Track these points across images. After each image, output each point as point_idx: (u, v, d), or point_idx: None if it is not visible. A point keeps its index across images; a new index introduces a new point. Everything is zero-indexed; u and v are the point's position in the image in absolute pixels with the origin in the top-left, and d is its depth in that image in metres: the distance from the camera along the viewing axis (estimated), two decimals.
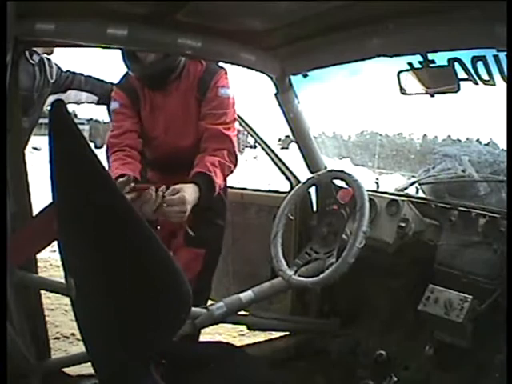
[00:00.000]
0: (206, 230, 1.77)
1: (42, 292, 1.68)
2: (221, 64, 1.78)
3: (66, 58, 2.55)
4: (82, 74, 2.61)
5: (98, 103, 2.70)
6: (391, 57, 1.51)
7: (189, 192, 1.53)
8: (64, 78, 2.54)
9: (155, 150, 1.80)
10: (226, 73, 1.77)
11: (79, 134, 0.82)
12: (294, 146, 2.12)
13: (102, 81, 2.65)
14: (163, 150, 1.79)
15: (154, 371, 0.85)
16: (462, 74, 1.42)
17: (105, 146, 1.80)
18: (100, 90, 2.63)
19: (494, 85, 1.37)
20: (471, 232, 1.62)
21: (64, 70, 2.55)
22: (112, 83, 2.63)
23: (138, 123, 1.77)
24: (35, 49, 2.32)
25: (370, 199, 1.64)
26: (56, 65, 2.50)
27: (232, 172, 1.75)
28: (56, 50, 2.44)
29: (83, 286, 0.90)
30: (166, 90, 1.75)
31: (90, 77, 2.62)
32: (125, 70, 1.79)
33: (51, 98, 2.48)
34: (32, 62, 2.33)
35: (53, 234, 1.01)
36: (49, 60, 2.46)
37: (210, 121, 1.72)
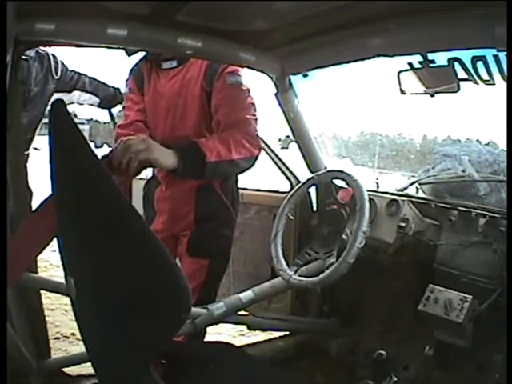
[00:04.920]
0: (211, 240, 1.73)
1: (42, 292, 1.68)
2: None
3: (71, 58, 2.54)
4: (86, 75, 2.60)
5: (99, 106, 2.70)
6: (391, 57, 1.51)
7: (160, 147, 1.37)
8: (69, 76, 2.54)
9: (155, 137, 1.71)
10: None
11: (79, 133, 0.82)
12: (294, 146, 2.12)
13: (105, 84, 2.65)
14: (162, 138, 1.67)
15: (153, 371, 0.85)
16: (462, 74, 1.42)
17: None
18: (103, 93, 2.63)
19: (494, 85, 1.37)
20: (471, 232, 1.62)
21: (69, 68, 2.55)
22: (115, 87, 2.64)
23: (142, 111, 1.76)
24: None
25: (370, 199, 1.64)
26: (61, 62, 2.49)
27: (252, 154, 1.58)
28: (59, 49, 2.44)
29: (83, 285, 0.90)
30: (171, 76, 1.70)
31: (93, 79, 2.62)
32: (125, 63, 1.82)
33: (56, 96, 2.48)
34: (25, 57, 2.28)
35: (53, 230, 1.01)
36: (54, 56, 2.45)
37: (222, 112, 1.61)
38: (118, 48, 1.61)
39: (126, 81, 1.84)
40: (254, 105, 1.67)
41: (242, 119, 1.60)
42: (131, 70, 1.83)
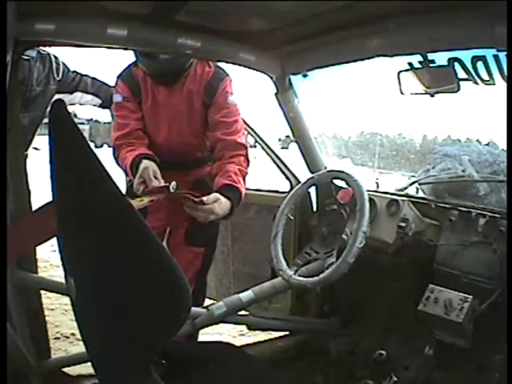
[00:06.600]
0: (205, 229, 1.79)
1: (42, 292, 1.68)
2: (227, 70, 1.81)
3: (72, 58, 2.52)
4: (88, 76, 2.59)
5: (100, 106, 2.69)
6: (391, 57, 1.51)
7: (222, 206, 1.56)
8: (71, 77, 2.52)
9: (155, 146, 1.79)
10: (231, 80, 1.79)
11: (79, 133, 0.82)
12: (294, 146, 2.12)
13: (107, 84, 2.64)
14: (163, 148, 1.78)
15: (153, 371, 0.85)
16: (462, 74, 1.42)
17: (111, 149, 1.81)
18: (104, 94, 2.61)
19: (494, 85, 1.37)
20: (471, 232, 1.62)
21: (71, 69, 2.53)
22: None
23: (141, 119, 1.78)
24: None
25: (370, 199, 1.64)
26: (63, 63, 2.47)
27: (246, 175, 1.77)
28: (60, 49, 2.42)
29: (83, 285, 0.90)
30: (171, 87, 1.75)
31: (95, 79, 2.60)
32: (126, 63, 1.81)
33: (57, 97, 2.46)
34: (26, 57, 2.26)
35: (51, 230, 1.02)
36: (56, 57, 2.44)
37: (223, 130, 1.73)
38: (119, 48, 1.61)
39: (115, 87, 1.82)
40: (243, 127, 1.83)
41: (243, 144, 1.74)
42: (119, 77, 1.82)
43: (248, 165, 1.74)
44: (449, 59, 1.42)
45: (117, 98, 1.80)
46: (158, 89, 1.76)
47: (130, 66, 1.80)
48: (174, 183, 1.49)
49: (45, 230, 1.11)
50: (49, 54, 2.41)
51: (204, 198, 1.51)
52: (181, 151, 1.80)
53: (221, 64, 1.80)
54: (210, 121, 1.76)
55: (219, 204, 1.54)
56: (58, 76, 2.43)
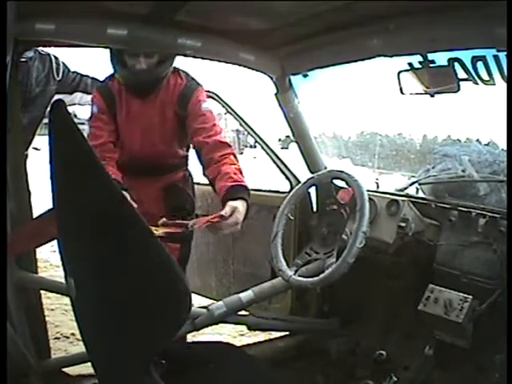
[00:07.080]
0: None
1: (42, 292, 1.68)
2: (199, 80, 1.85)
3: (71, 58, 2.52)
4: (88, 76, 2.59)
5: None
6: (391, 57, 1.51)
7: (241, 211, 1.53)
8: (71, 78, 2.52)
9: (129, 155, 1.85)
10: (203, 90, 1.85)
11: (79, 134, 0.82)
12: (294, 146, 2.12)
13: None
14: (137, 156, 1.85)
15: (153, 371, 0.85)
16: (462, 74, 1.42)
17: None
18: None
19: (494, 85, 1.37)
20: (471, 232, 1.62)
21: (71, 70, 2.53)
22: None
23: (114, 131, 1.83)
24: None
25: (370, 199, 1.64)
26: (63, 64, 2.48)
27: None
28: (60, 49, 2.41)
29: (83, 286, 0.90)
30: (145, 99, 1.80)
31: (95, 79, 2.60)
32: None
33: (57, 97, 2.45)
34: (26, 57, 2.26)
35: (52, 233, 1.02)
36: (56, 58, 2.44)
37: (204, 134, 1.75)
38: (119, 48, 1.61)
39: (92, 98, 1.86)
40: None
41: (227, 143, 1.76)
42: (97, 88, 1.88)
43: (238, 161, 1.75)
44: (449, 59, 1.42)
45: (93, 109, 1.86)
46: (133, 101, 1.81)
47: (106, 79, 1.87)
48: (192, 222, 1.49)
49: (44, 235, 1.11)
50: (49, 55, 2.41)
51: (222, 212, 1.47)
52: (154, 158, 1.88)
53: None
54: (189, 130, 1.79)
55: (237, 211, 1.50)
56: (57, 76, 2.44)
